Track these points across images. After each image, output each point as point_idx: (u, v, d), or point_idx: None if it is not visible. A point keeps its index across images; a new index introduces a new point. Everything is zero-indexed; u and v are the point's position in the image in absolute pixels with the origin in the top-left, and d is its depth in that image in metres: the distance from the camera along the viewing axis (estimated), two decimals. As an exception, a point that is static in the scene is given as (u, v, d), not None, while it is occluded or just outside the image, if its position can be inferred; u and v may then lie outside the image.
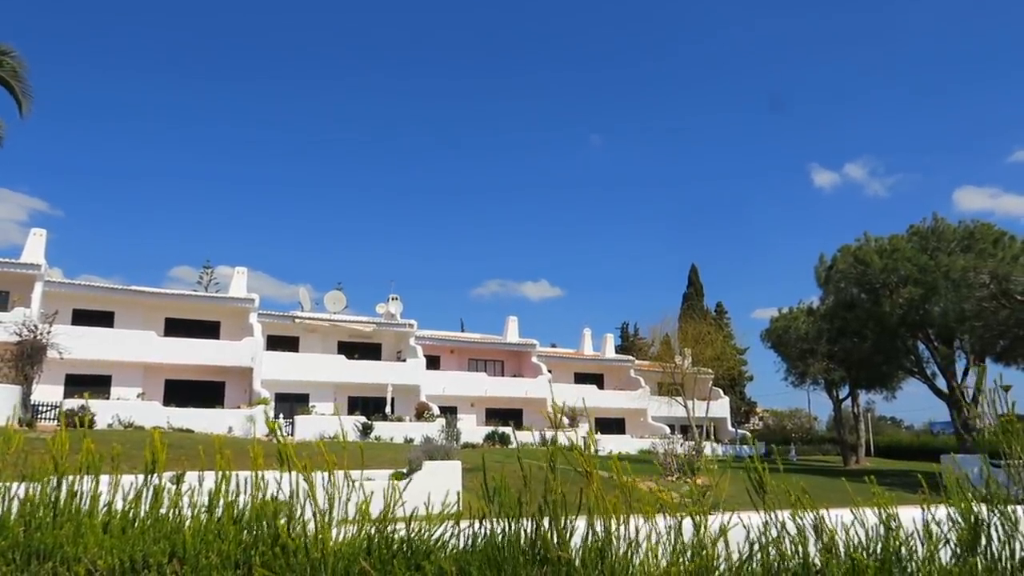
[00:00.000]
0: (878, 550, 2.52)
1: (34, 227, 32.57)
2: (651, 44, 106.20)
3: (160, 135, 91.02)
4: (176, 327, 34.91)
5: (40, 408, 27.26)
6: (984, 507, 2.62)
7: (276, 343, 36.90)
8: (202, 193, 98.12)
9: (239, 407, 32.24)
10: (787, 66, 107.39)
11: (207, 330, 35.78)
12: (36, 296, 30.18)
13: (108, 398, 29.93)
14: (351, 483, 2.83)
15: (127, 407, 28.80)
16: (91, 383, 30.68)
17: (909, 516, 2.73)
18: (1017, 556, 2.49)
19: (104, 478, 3.14)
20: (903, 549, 2.53)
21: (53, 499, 3.06)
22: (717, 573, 2.55)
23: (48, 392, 28.07)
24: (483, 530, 2.66)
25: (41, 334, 26.22)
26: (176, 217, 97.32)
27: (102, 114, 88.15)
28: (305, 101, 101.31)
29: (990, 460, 3.19)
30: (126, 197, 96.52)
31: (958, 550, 2.57)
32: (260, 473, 2.91)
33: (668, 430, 41.97)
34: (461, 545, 2.68)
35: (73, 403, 27.13)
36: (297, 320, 38.27)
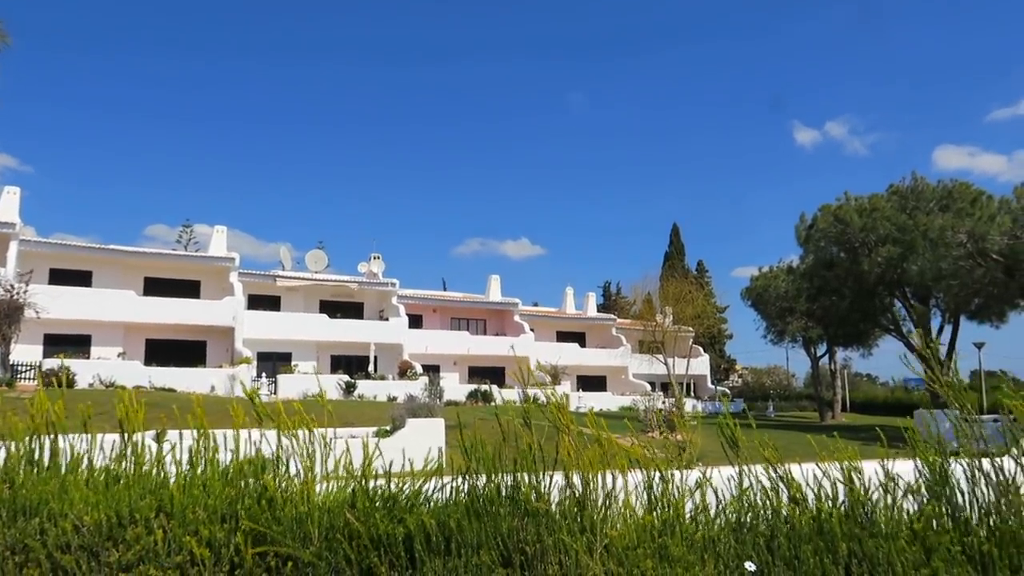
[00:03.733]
0: (844, 501, 2.61)
1: (2, 184, 31.87)
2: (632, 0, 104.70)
3: (132, 88, 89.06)
4: (155, 287, 34.59)
5: (19, 368, 27.08)
6: (950, 460, 2.71)
7: (257, 302, 36.71)
8: (177, 149, 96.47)
9: (221, 366, 32.20)
10: (769, 23, 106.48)
11: (187, 289, 35.49)
12: (11, 255, 29.72)
13: (88, 358, 29.78)
14: (335, 440, 2.87)
15: (108, 367, 28.67)
16: (71, 343, 30.45)
17: (881, 468, 2.81)
18: (978, 505, 2.58)
19: (86, 436, 3.16)
20: (868, 499, 2.62)
21: (36, 457, 3.07)
22: (691, 523, 2.63)
23: (27, 352, 27.85)
24: (465, 484, 2.72)
25: (18, 293, 25.87)
26: (150, 174, 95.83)
27: (70, 66, 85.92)
28: (283, 57, 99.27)
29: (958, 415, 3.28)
30: (98, 153, 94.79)
31: (923, 499, 2.66)
32: (243, 431, 2.94)
33: (649, 387, 42.47)
34: (444, 498, 2.74)
35: (53, 363, 26.95)
36: (278, 279, 38.04)
